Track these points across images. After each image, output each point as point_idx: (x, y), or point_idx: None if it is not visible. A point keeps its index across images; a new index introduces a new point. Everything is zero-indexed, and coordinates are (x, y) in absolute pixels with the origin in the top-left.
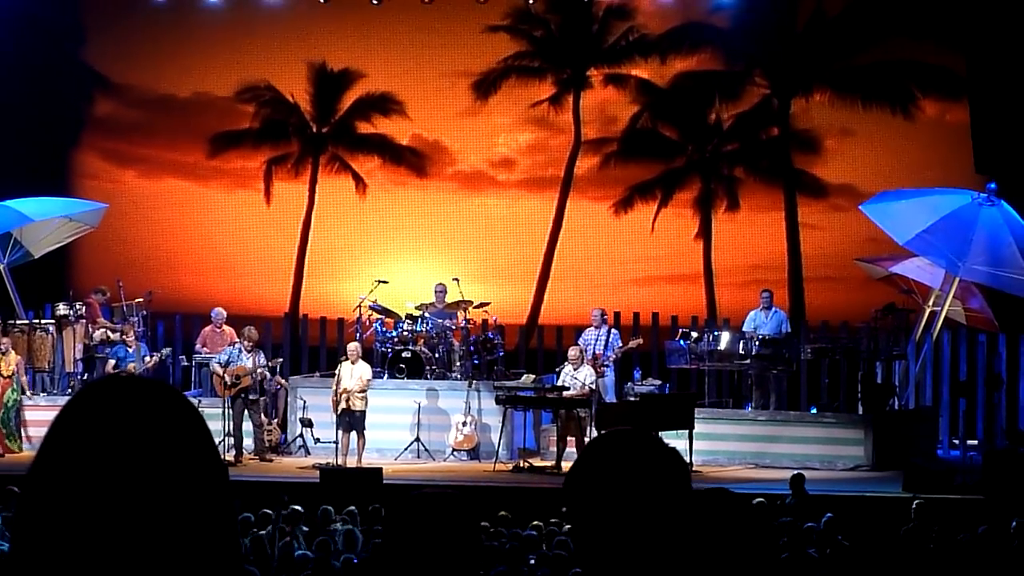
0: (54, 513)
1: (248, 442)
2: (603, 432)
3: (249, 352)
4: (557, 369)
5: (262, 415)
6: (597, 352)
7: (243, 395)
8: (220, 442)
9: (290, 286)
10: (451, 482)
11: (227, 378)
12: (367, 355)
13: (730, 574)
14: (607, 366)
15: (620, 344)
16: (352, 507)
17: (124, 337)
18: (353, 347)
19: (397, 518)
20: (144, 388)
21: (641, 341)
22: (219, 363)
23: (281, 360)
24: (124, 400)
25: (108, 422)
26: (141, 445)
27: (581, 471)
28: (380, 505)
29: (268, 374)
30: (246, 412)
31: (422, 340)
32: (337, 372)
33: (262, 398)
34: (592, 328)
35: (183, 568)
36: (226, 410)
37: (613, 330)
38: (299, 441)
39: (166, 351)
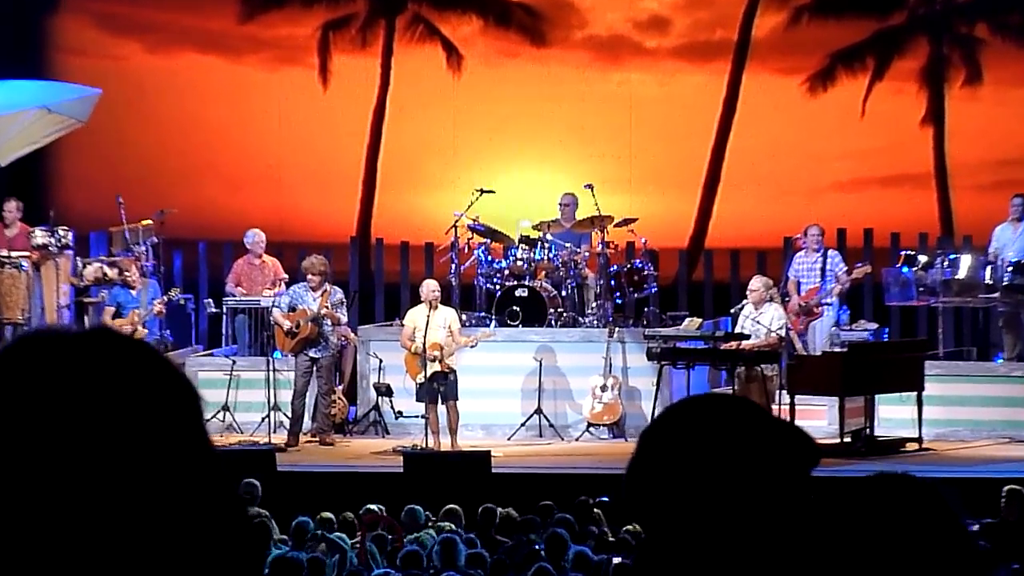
0: None
1: (307, 419)
2: (688, 399)
3: (316, 289)
4: (733, 310)
5: (330, 382)
6: (812, 286)
7: (305, 351)
8: (264, 418)
9: (357, 200)
10: (586, 470)
11: (285, 323)
12: (467, 293)
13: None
14: (827, 303)
15: (845, 269)
16: (453, 506)
17: (125, 274)
18: (431, 287)
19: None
20: (84, 351)
21: (869, 268)
22: (279, 307)
23: (341, 297)
24: (52, 372)
25: (27, 405)
26: (83, 434)
27: (645, 457)
28: (493, 504)
29: (341, 319)
30: (311, 376)
31: (543, 272)
32: (409, 324)
33: (326, 357)
34: (804, 253)
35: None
36: (270, 374)
37: (833, 253)
38: (373, 415)
39: (175, 292)
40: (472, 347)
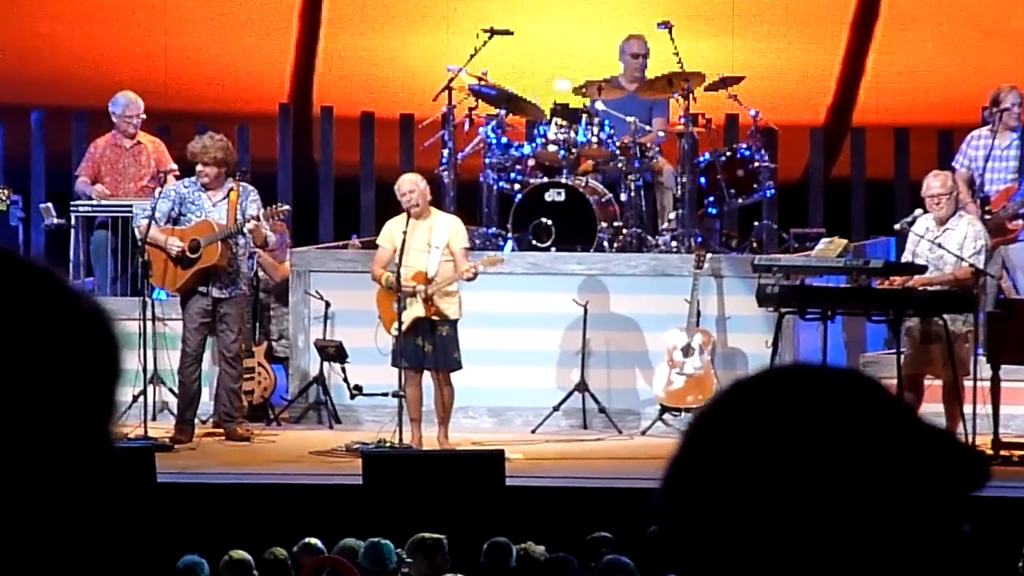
0: None
1: (205, 398)
2: (768, 373)
3: (212, 188)
4: (899, 225)
5: (239, 339)
6: (1005, 187)
7: (205, 290)
8: (137, 396)
9: (292, 46)
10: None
11: (171, 247)
12: (468, 196)
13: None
14: None
15: None
16: (432, 535)
17: None
18: (408, 184)
19: None
20: None
21: None
22: (149, 216)
23: (287, 207)
24: None
25: None
26: None
27: (693, 466)
28: (505, 538)
29: (271, 238)
30: (213, 331)
31: (590, 164)
32: (387, 244)
33: (238, 297)
34: (989, 132)
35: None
36: (147, 325)
37: None
38: (314, 392)
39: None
40: (469, 280)
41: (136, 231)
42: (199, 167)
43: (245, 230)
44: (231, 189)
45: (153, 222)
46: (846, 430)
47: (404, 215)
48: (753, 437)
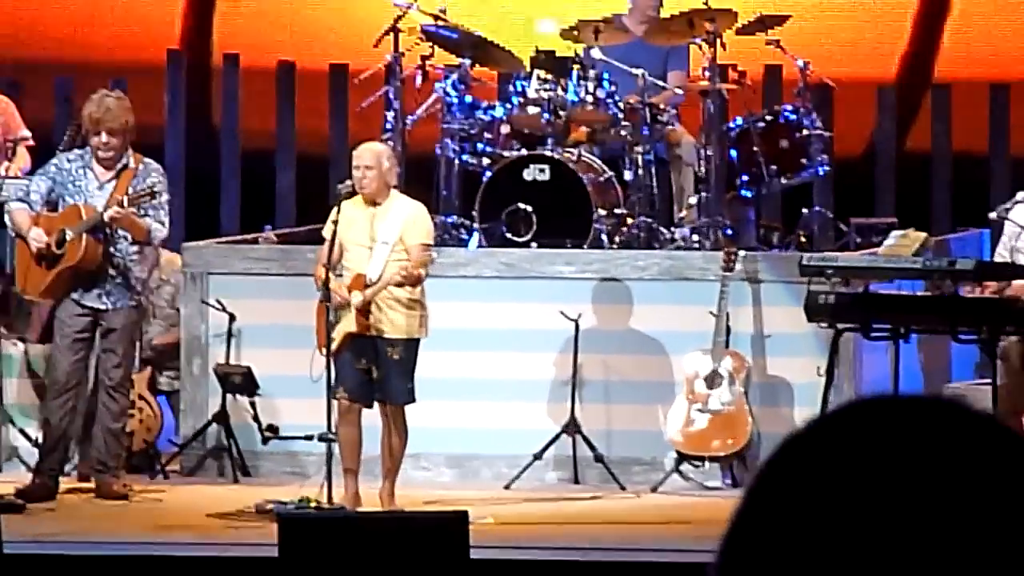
0: None
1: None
2: (857, 405)
3: (108, 165)
4: (995, 214)
5: (125, 364)
6: None
7: (76, 296)
8: None
9: None
10: (674, 555)
11: (34, 237)
12: (421, 172)
13: None
14: None
15: None
16: None
17: None
18: (370, 155)
19: None
20: None
21: None
22: (24, 201)
23: (158, 188)
24: None
25: None
26: None
27: (757, 530)
28: None
29: (155, 229)
30: (91, 352)
31: (583, 132)
32: (330, 234)
33: (126, 310)
34: None
35: None
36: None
37: None
38: (214, 435)
39: None
40: (399, 286)
41: (7, 218)
42: (103, 136)
43: (106, 217)
44: (125, 167)
45: (28, 206)
46: (958, 479)
47: (353, 198)
48: (839, 491)
